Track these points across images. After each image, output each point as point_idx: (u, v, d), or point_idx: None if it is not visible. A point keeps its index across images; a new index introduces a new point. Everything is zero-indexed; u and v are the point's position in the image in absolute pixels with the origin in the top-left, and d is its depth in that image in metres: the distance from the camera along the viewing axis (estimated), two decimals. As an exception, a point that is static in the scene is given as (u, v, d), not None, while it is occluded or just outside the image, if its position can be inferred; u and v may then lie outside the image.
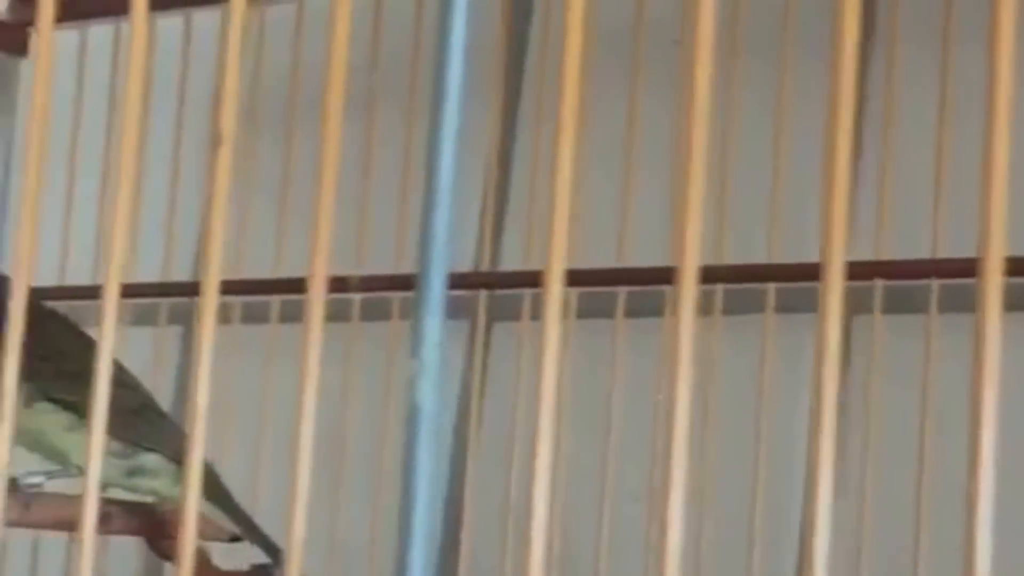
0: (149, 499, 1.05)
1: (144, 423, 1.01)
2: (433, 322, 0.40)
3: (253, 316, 1.17)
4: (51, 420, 0.98)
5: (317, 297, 0.45)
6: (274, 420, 1.15)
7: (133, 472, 1.01)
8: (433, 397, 0.40)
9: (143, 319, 1.21)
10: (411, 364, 0.40)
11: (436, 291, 0.40)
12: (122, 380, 1.03)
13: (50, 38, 0.48)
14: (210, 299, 0.45)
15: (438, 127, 0.41)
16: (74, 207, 1.24)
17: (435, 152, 0.41)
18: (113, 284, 0.48)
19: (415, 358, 0.40)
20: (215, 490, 1.01)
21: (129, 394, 1.02)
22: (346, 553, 1.11)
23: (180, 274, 1.24)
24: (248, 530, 1.02)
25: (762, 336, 1.01)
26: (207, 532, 1.08)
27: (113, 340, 0.48)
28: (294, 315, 1.15)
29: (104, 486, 1.02)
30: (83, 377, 1.04)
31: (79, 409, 0.98)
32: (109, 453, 1.00)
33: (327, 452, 1.11)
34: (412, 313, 0.40)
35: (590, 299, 1.07)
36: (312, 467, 0.43)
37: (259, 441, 1.15)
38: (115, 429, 0.99)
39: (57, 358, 0.98)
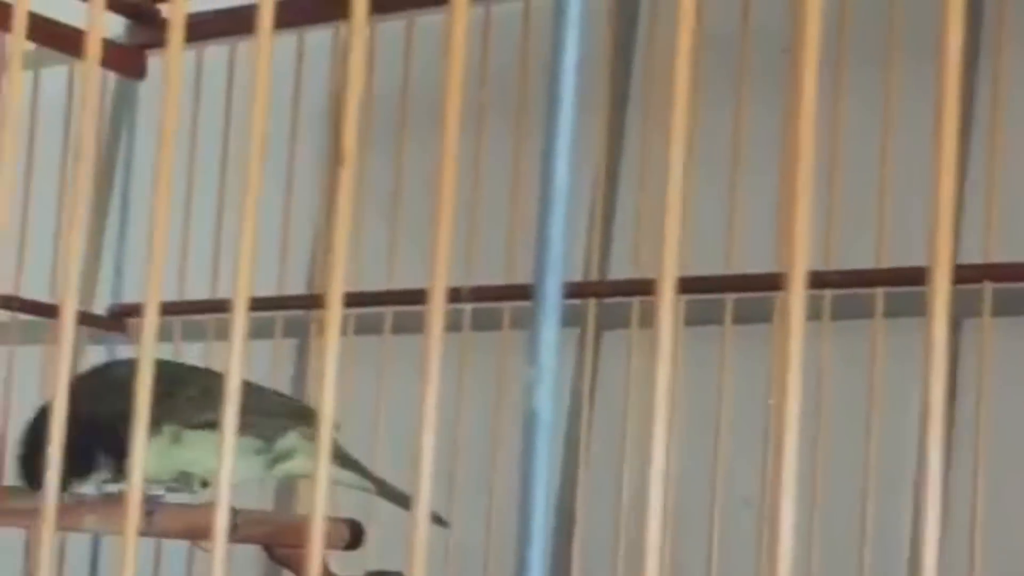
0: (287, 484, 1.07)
1: (274, 409, 1.04)
2: (550, 329, 0.42)
3: (367, 328, 1.19)
4: (204, 444, 1.01)
5: (437, 307, 0.46)
6: (387, 429, 1.17)
7: (276, 460, 1.04)
8: (550, 404, 0.41)
9: (259, 332, 1.24)
10: (527, 371, 0.42)
11: (552, 299, 0.42)
12: (248, 384, 1.05)
13: (179, 61, 0.50)
14: (334, 313, 0.47)
15: (553, 136, 0.43)
16: (191, 223, 1.27)
17: (549, 159, 0.42)
18: (241, 299, 0.49)
19: (532, 365, 0.42)
20: (342, 455, 1.04)
21: (253, 390, 1.05)
22: (461, 557, 1.13)
23: (295, 287, 1.26)
24: (381, 487, 1.05)
25: (871, 341, 1.01)
26: (325, 539, 1.10)
27: (231, 354, 0.50)
28: (407, 326, 1.17)
29: (246, 481, 1.05)
30: (208, 396, 1.07)
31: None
32: (255, 452, 1.03)
33: (441, 459, 1.13)
34: (529, 321, 0.42)
35: (698, 306, 1.07)
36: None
37: (373, 450, 1.17)
38: (259, 430, 1.03)
39: (179, 388, 1.01)
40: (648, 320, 1.09)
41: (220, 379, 1.09)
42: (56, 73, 1.29)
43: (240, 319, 0.48)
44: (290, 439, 1.04)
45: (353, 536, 1.09)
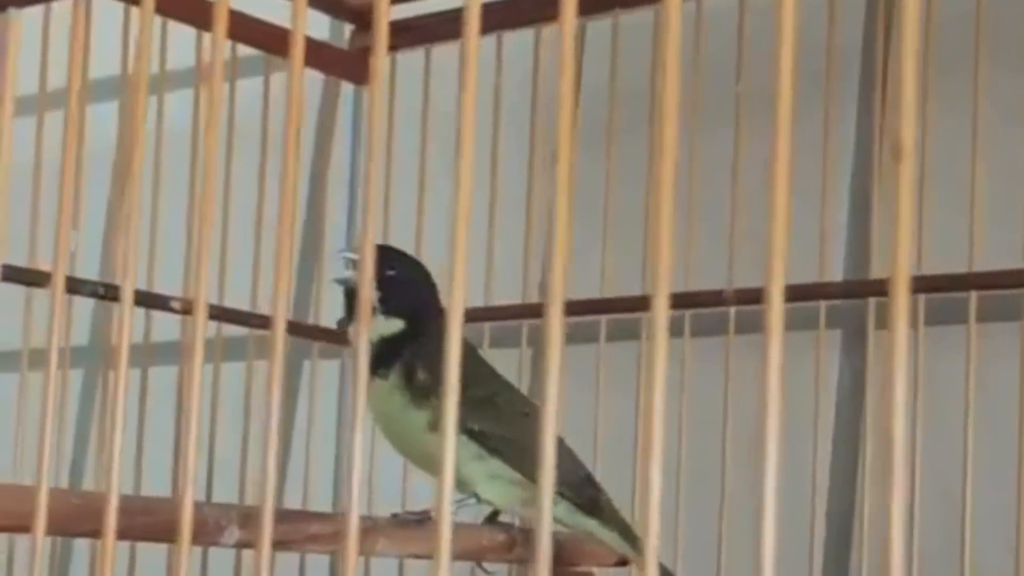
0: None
1: (561, 460, 0.98)
2: None
3: (582, 336, 1.15)
4: (462, 451, 0.95)
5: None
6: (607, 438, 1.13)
7: (531, 502, 0.98)
8: None
9: (502, 341, 1.20)
10: None
11: None
12: (528, 412, 1.00)
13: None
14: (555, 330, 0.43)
15: None
16: (423, 231, 1.22)
17: None
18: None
19: None
20: (614, 517, 0.99)
21: (535, 426, 1.00)
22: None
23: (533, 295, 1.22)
24: (636, 547, 1.00)
25: None
26: (597, 557, 1.06)
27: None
28: (623, 334, 1.13)
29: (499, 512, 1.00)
30: (489, 404, 1.01)
31: (487, 440, 0.96)
32: (512, 483, 0.97)
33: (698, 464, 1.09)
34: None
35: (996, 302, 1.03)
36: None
37: (594, 457, 1.13)
38: (521, 464, 0.97)
39: (469, 384, 0.96)
40: (931, 318, 1.04)
41: (512, 395, 1.03)
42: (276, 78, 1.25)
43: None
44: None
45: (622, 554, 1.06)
